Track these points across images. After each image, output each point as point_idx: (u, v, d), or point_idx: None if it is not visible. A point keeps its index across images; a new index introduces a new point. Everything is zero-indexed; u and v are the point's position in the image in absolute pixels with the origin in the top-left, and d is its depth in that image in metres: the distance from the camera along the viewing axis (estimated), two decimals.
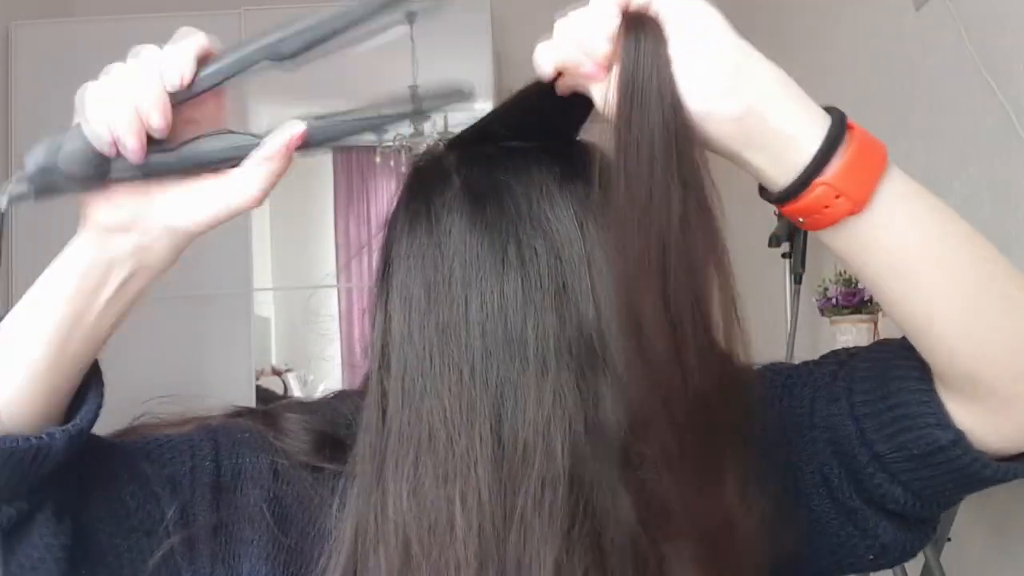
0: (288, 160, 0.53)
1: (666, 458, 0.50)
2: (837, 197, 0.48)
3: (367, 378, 0.60)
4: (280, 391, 3.82)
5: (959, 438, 0.50)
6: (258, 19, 3.44)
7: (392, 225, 0.62)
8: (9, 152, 3.41)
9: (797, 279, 2.63)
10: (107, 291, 0.53)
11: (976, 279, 0.48)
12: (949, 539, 1.83)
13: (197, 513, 0.58)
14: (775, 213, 2.68)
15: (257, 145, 0.53)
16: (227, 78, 0.53)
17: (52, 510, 0.52)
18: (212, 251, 3.45)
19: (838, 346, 2.14)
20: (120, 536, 0.56)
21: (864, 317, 1.95)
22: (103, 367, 0.58)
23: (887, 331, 1.98)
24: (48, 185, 0.51)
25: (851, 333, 1.95)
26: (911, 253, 0.48)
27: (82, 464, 0.54)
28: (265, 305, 3.90)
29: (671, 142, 0.48)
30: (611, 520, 0.51)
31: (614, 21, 0.48)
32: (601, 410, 0.53)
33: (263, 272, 3.72)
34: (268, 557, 0.59)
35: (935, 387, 0.51)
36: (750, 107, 0.50)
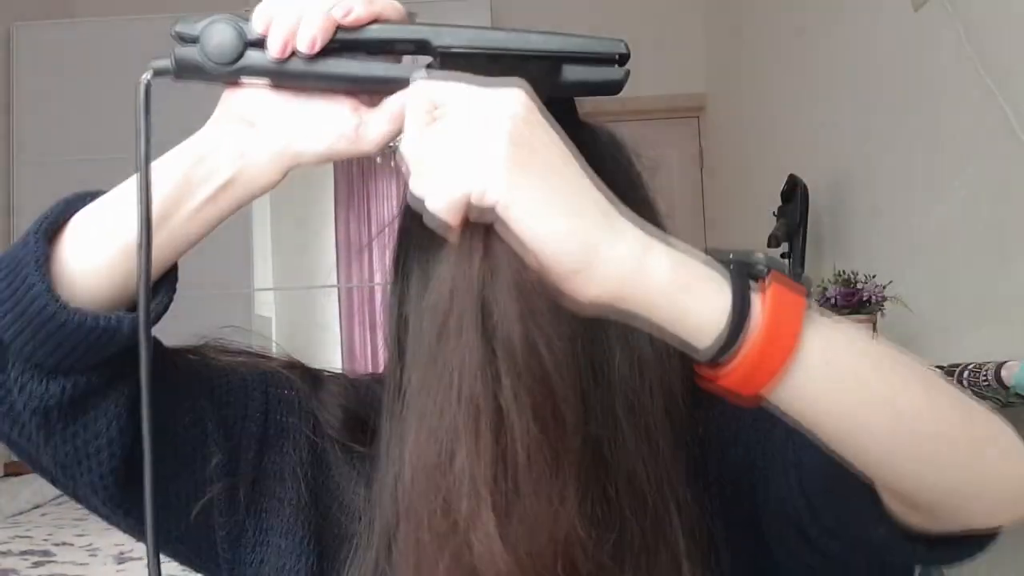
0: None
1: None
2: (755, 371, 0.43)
3: (386, 338, 0.60)
4: None
5: (899, 541, 0.48)
6: None
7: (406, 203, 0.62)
8: (11, 152, 3.41)
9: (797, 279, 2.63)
10: (206, 189, 0.53)
11: (916, 421, 0.45)
12: None
13: (241, 463, 0.59)
14: (774, 213, 2.69)
15: (394, 81, 0.52)
16: (388, 40, 0.53)
17: (114, 398, 0.53)
18: (212, 251, 3.45)
19: None
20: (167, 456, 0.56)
21: (863, 317, 1.95)
22: None
23: (887, 331, 1.98)
24: (187, 63, 0.51)
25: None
26: (832, 415, 0.45)
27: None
28: (266, 305, 3.91)
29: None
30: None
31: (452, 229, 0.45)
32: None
33: (264, 272, 3.73)
34: (300, 520, 0.60)
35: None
36: (615, 297, 0.44)
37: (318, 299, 4.21)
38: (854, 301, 1.95)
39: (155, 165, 0.52)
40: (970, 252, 1.85)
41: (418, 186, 0.45)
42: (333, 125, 0.53)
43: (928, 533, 0.48)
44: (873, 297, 1.94)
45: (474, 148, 0.43)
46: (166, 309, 0.55)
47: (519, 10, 3.74)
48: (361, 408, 0.63)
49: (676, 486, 0.54)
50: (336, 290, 4.15)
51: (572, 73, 0.53)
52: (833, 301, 1.98)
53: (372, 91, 0.53)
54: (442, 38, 0.52)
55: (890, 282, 1.96)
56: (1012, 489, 0.47)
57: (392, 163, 3.72)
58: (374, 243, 4.19)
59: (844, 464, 0.46)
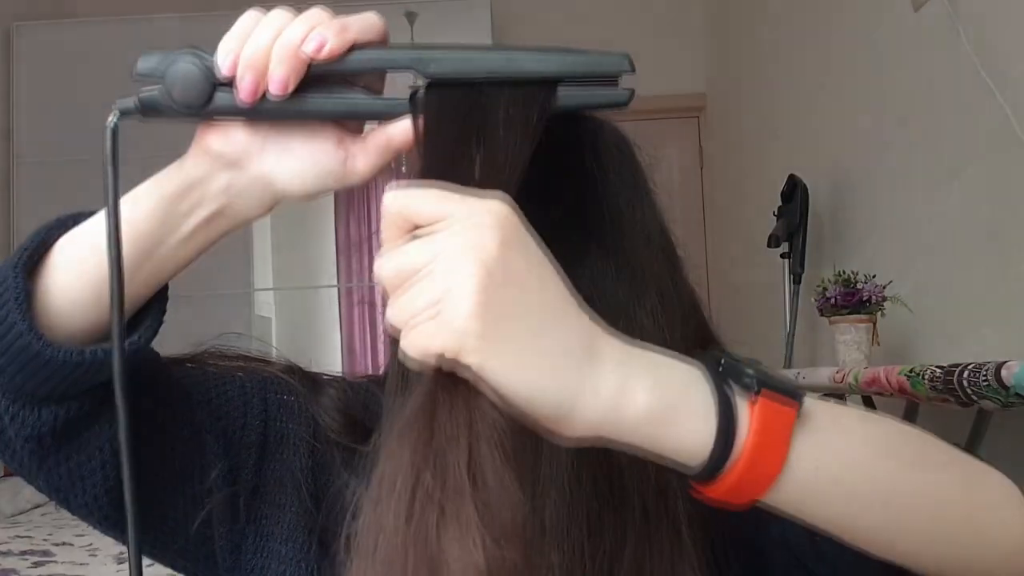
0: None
1: None
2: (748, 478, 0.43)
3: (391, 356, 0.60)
4: None
5: None
6: None
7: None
8: (11, 152, 3.41)
9: (796, 279, 2.63)
10: (192, 221, 0.52)
11: (918, 511, 0.46)
12: None
13: (241, 472, 0.59)
14: (774, 213, 2.69)
15: (380, 114, 0.51)
16: (368, 70, 0.50)
17: (107, 418, 0.52)
18: (212, 251, 3.45)
19: (838, 346, 2.11)
20: (163, 469, 0.56)
21: (863, 317, 1.95)
22: None
23: (886, 331, 1.98)
24: (153, 106, 0.49)
25: (850, 333, 1.95)
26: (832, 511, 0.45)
27: (142, 386, 0.54)
28: (266, 305, 3.91)
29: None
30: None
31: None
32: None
33: (264, 272, 3.73)
34: (301, 526, 0.59)
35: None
36: (597, 437, 0.42)
37: (318, 299, 4.20)
38: (854, 301, 1.95)
39: (137, 196, 0.51)
40: (970, 252, 1.85)
41: (392, 319, 0.41)
42: (318, 163, 0.52)
43: None
44: (873, 297, 1.93)
45: (449, 303, 0.39)
46: (156, 332, 0.55)
47: (519, 10, 3.74)
48: (361, 410, 0.63)
49: None
50: (336, 290, 4.15)
51: (570, 97, 0.50)
52: (833, 301, 1.98)
53: (357, 121, 0.52)
54: (427, 67, 0.48)
55: (890, 282, 1.96)
56: (1020, 547, 0.48)
57: (392, 163, 3.72)
58: (374, 242, 4.19)
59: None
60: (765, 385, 0.42)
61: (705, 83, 3.94)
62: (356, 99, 0.50)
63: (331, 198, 4.17)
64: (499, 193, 0.42)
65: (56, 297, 0.51)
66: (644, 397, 0.41)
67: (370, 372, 0.70)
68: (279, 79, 0.47)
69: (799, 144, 2.88)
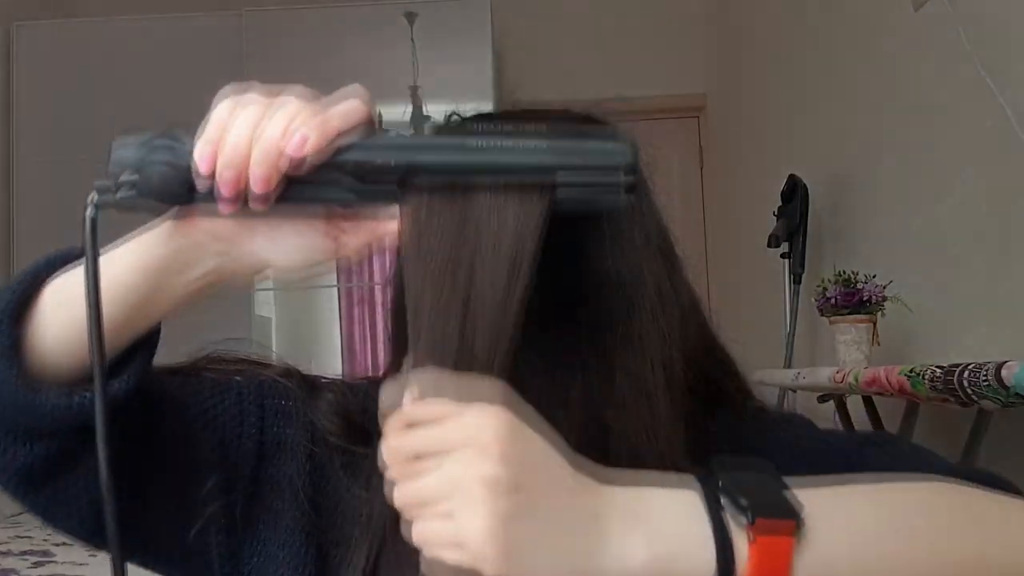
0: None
1: None
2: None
3: (392, 341, 0.60)
4: None
5: None
6: (258, 20, 3.44)
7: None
8: (11, 152, 3.41)
9: (796, 279, 2.63)
10: (187, 277, 0.52)
11: None
12: None
13: (238, 480, 0.59)
14: (774, 213, 2.69)
15: (361, 200, 0.49)
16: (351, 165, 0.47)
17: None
18: None
19: (838, 346, 2.11)
20: (160, 490, 0.57)
21: (863, 317, 1.94)
22: None
23: (887, 331, 1.98)
24: (130, 204, 0.47)
25: (850, 333, 1.95)
26: None
27: (135, 411, 0.54)
28: (266, 305, 3.90)
29: None
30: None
31: None
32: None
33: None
34: (299, 530, 0.60)
35: None
36: None
37: (318, 299, 4.20)
38: (854, 301, 1.95)
39: (124, 263, 0.51)
40: (970, 252, 1.85)
41: (399, 500, 0.45)
42: (308, 243, 0.52)
43: None
44: (873, 297, 1.93)
45: (462, 518, 0.42)
46: (146, 369, 0.55)
47: (519, 10, 3.74)
48: (360, 413, 0.63)
49: (677, 457, 0.54)
50: (336, 290, 4.15)
51: (566, 200, 0.46)
52: (833, 301, 1.98)
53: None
54: (413, 164, 0.47)
55: (890, 282, 1.96)
56: None
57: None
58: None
59: None
60: (761, 514, 0.44)
61: (705, 83, 3.93)
62: (340, 192, 0.48)
63: None
64: (488, 385, 0.45)
65: (46, 340, 0.51)
66: (643, 553, 0.44)
67: (370, 373, 0.70)
68: (260, 179, 0.46)
69: (799, 144, 2.88)
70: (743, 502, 0.44)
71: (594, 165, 0.47)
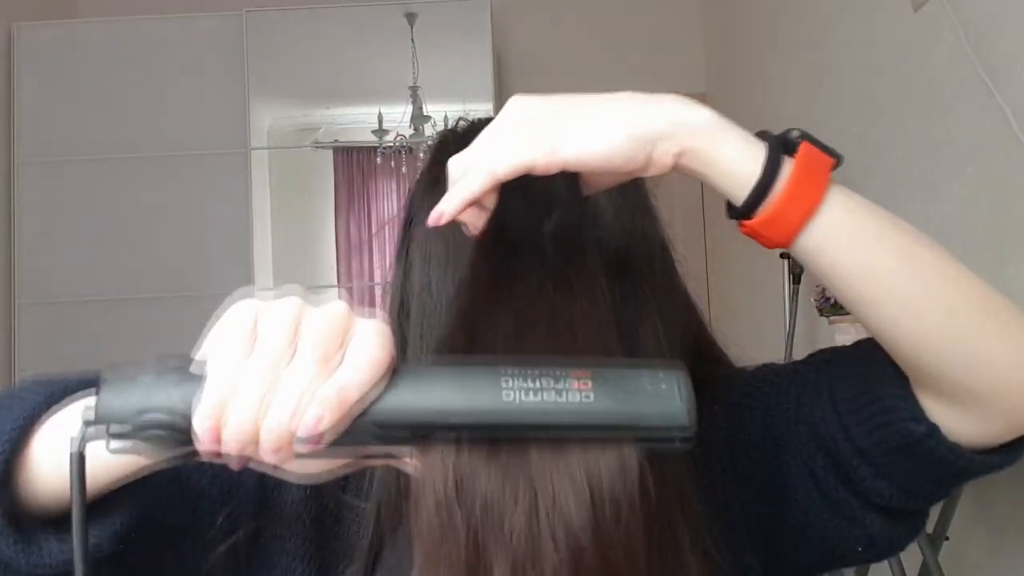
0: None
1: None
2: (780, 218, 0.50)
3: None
4: None
5: (933, 431, 0.51)
6: (258, 20, 3.44)
7: (416, 186, 0.65)
8: (11, 152, 3.41)
9: (795, 279, 2.63)
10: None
11: (928, 288, 0.50)
12: (947, 538, 1.83)
13: (240, 519, 0.59)
14: None
15: (382, 454, 0.44)
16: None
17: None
18: (213, 251, 3.46)
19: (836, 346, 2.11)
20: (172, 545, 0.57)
21: None
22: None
23: None
24: (121, 451, 0.42)
25: (850, 333, 1.95)
26: (857, 266, 0.51)
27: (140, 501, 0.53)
28: None
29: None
30: None
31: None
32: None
33: (263, 272, 3.72)
34: (302, 555, 0.60)
35: (910, 382, 0.53)
36: (680, 160, 0.52)
37: (318, 299, 4.20)
38: None
39: (110, 469, 0.47)
40: (969, 252, 1.85)
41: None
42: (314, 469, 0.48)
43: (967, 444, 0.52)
44: None
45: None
46: (134, 516, 0.53)
47: (519, 10, 3.74)
48: None
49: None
50: (336, 290, 4.15)
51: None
52: (832, 301, 1.98)
53: None
54: (448, 422, 0.41)
55: None
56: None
57: (392, 163, 3.72)
58: (374, 243, 4.20)
59: (874, 374, 0.53)
60: (807, 138, 0.52)
61: (705, 83, 3.93)
62: (360, 438, 0.42)
63: (331, 199, 4.17)
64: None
65: (36, 483, 0.49)
66: (707, 111, 0.52)
67: None
68: (269, 455, 0.40)
69: None
70: (795, 133, 0.52)
71: (646, 427, 0.41)
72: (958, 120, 1.88)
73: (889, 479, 0.54)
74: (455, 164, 0.51)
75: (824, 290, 2.02)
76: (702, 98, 3.40)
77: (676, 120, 0.50)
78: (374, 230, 4.07)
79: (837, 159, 0.52)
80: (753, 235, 0.51)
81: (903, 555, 1.76)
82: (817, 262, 0.50)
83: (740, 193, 0.50)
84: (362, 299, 4.14)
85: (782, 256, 2.67)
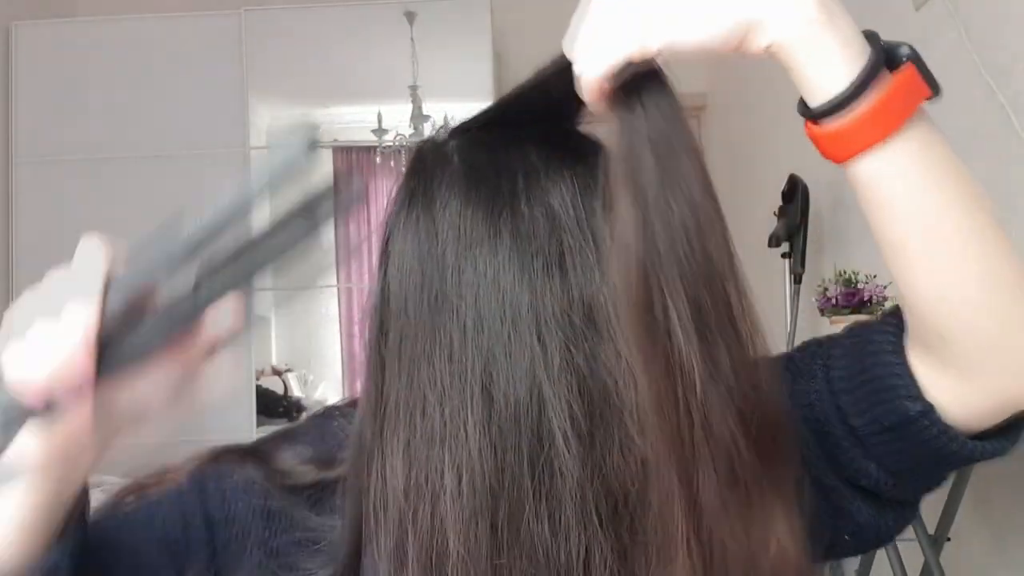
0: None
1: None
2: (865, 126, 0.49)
3: (366, 348, 0.60)
4: (280, 391, 3.82)
5: (928, 410, 0.51)
6: (258, 19, 3.44)
7: (393, 203, 0.62)
8: (11, 152, 3.41)
9: (797, 279, 2.63)
10: (80, 472, 0.51)
11: (969, 247, 0.50)
12: (949, 539, 1.83)
13: (194, 568, 0.59)
14: (774, 213, 2.69)
15: (169, 337, 0.47)
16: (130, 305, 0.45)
17: None
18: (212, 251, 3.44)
19: None
20: None
21: (864, 317, 1.95)
22: None
23: None
24: None
25: None
26: (918, 203, 0.50)
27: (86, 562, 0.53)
28: (265, 305, 3.90)
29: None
30: (613, 479, 0.51)
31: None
32: (596, 375, 0.52)
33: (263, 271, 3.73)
34: None
35: (907, 360, 0.53)
36: (777, 47, 0.51)
37: (317, 299, 4.20)
38: (855, 301, 1.95)
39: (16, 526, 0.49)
40: None
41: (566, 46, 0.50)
42: (169, 388, 0.50)
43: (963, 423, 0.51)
44: (874, 297, 1.93)
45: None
46: (77, 541, 0.53)
47: (519, 10, 3.73)
48: (321, 451, 0.64)
49: None
50: (336, 290, 4.15)
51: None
52: (833, 301, 1.98)
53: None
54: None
55: (891, 282, 1.95)
56: None
57: (391, 162, 3.72)
58: (374, 243, 4.20)
59: (871, 353, 0.53)
60: (916, 61, 0.50)
61: (705, 83, 3.93)
62: (149, 336, 0.46)
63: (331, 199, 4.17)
64: None
65: None
66: (811, 3, 0.48)
67: (337, 404, 0.70)
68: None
69: (799, 144, 2.85)
70: (907, 44, 0.50)
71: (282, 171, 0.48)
72: (959, 119, 1.88)
73: (877, 461, 0.54)
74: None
75: (825, 290, 2.01)
76: (702, 98, 3.39)
77: (774, 8, 0.48)
78: (373, 229, 4.07)
79: (936, 92, 0.51)
80: (814, 141, 0.51)
81: (904, 555, 1.76)
82: (870, 194, 0.49)
83: (818, 98, 0.50)
84: (362, 299, 4.14)
85: (783, 256, 2.67)
